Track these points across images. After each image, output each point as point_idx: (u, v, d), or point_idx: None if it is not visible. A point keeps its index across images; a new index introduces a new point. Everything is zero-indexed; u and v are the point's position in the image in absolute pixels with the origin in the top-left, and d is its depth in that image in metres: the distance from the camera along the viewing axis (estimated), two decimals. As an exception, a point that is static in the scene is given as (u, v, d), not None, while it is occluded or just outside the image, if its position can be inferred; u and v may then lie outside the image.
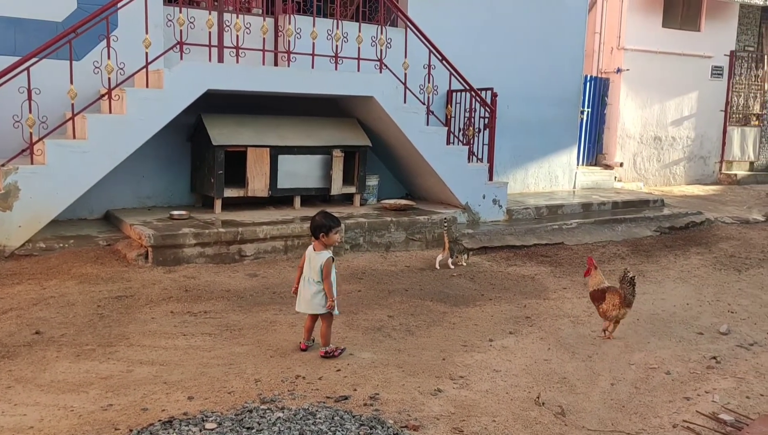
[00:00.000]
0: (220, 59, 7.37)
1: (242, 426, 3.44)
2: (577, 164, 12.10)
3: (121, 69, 7.13)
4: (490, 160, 9.26)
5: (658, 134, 13.78)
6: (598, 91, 13.09)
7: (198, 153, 8.11)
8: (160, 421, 3.53)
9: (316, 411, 3.69)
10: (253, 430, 3.40)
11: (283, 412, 3.65)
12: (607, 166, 13.09)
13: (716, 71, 14.38)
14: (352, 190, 8.69)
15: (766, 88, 15.47)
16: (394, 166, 9.49)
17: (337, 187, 8.50)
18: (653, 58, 13.35)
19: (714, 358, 5.00)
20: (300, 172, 8.26)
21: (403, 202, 8.70)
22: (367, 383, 4.22)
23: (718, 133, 14.67)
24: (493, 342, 5.15)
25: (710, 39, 14.18)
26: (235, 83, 7.35)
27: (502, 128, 9.90)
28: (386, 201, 8.72)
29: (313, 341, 4.80)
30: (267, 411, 3.66)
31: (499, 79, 9.83)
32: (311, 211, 8.04)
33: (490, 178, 9.24)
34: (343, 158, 8.47)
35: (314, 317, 4.74)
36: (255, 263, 7.03)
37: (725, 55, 14.47)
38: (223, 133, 7.75)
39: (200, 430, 3.39)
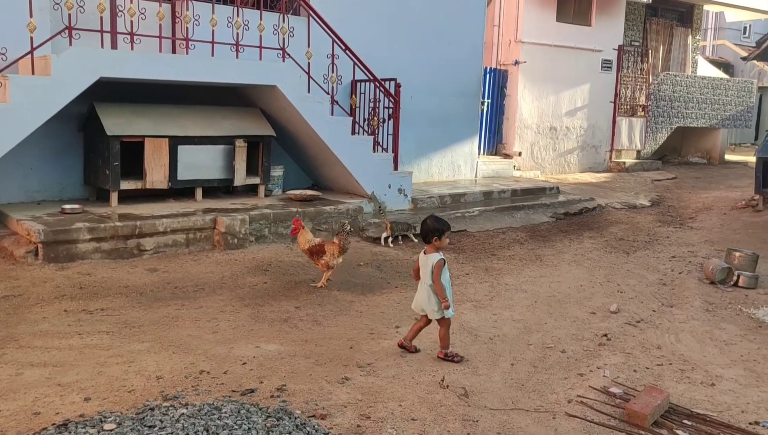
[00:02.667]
0: (114, 45, 7.04)
1: (144, 425, 3.34)
2: (479, 154, 12.44)
3: (3, 54, 6.67)
4: (395, 150, 9.37)
5: (554, 124, 14.38)
6: (498, 83, 13.49)
7: (91, 144, 7.73)
8: (54, 425, 3.36)
9: (222, 405, 3.63)
10: (156, 428, 3.30)
11: (186, 409, 3.56)
12: (507, 156, 13.54)
13: (606, 64, 15.15)
14: (256, 180, 8.56)
15: (650, 80, 16.45)
16: (300, 156, 9.42)
17: (240, 178, 8.34)
18: (548, 51, 13.89)
19: (605, 335, 5.30)
20: (201, 162, 8.04)
21: (309, 192, 8.66)
22: (273, 375, 4.19)
23: (608, 123, 15.48)
24: (400, 329, 5.24)
25: (600, 34, 14.91)
26: (130, 71, 7.04)
27: (406, 119, 10.03)
28: (292, 192, 8.65)
29: (416, 349, 4.73)
30: (170, 408, 3.57)
31: (402, 70, 9.94)
32: (214, 203, 7.89)
33: (395, 168, 9.35)
34: (247, 148, 8.32)
35: (427, 320, 4.69)
36: (155, 258, 6.80)
37: (614, 49, 15.26)
38: (118, 123, 7.42)
39: (98, 432, 3.26)
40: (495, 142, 13.72)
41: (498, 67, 13.69)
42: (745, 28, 29.78)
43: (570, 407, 3.99)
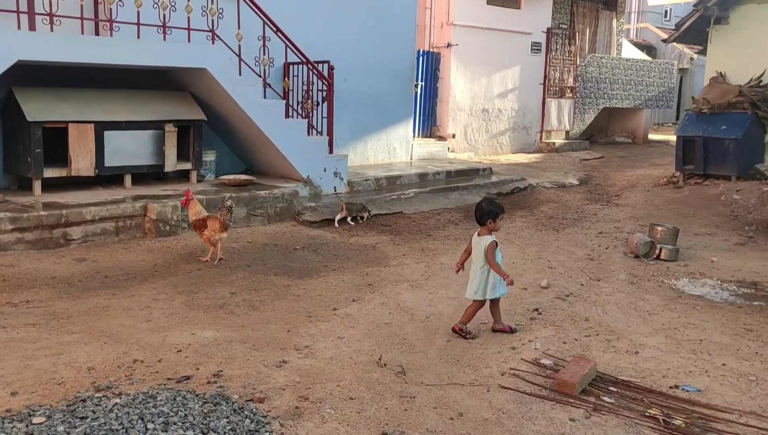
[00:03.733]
0: (32, 27, 6.73)
1: (75, 416, 3.26)
2: (413, 136, 12.53)
3: None
4: (330, 133, 9.34)
5: (486, 106, 14.61)
6: (431, 65, 13.59)
7: (11, 130, 7.39)
8: (-22, 421, 3.24)
9: (157, 393, 3.58)
10: (88, 419, 3.23)
11: (120, 398, 3.50)
12: (441, 138, 13.69)
13: (535, 47, 15.48)
14: (188, 166, 8.38)
15: (578, 62, 16.91)
16: (233, 140, 9.27)
17: (171, 164, 8.15)
18: (479, 34, 14.07)
19: (536, 310, 5.48)
20: (130, 148, 7.81)
21: (243, 177, 8.55)
22: (210, 361, 4.15)
23: (538, 104, 15.85)
24: (337, 310, 5.27)
25: (529, 16, 15.20)
26: (51, 54, 6.75)
27: (340, 101, 10.00)
28: (225, 177, 8.52)
29: (511, 329, 4.91)
30: (103, 398, 3.49)
31: (336, 52, 9.89)
32: (144, 190, 7.69)
33: (331, 151, 9.33)
34: (177, 133, 8.13)
35: (491, 302, 4.86)
36: (83, 247, 6.59)
37: (543, 32, 15.60)
38: (39, 109, 7.12)
39: (27, 426, 3.16)
40: (429, 125, 13.85)
41: (431, 50, 13.78)
42: (666, 11, 30.93)
43: (503, 380, 4.12)
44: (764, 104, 10.85)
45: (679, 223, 8.77)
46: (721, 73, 11.54)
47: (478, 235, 4.87)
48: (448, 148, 13.42)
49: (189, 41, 7.77)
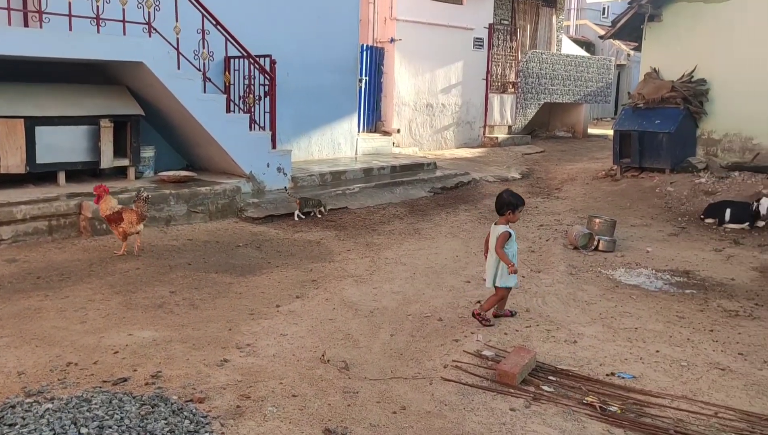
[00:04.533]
0: (-46, 17, 6.42)
1: (3, 424, 3.13)
2: (358, 131, 12.52)
3: None
4: (273, 128, 9.23)
5: (430, 101, 14.71)
6: (375, 60, 13.58)
7: (-67, 126, 7.03)
8: None
9: (92, 397, 3.47)
10: (17, 426, 3.11)
11: (52, 403, 3.38)
12: (386, 133, 13.72)
13: (477, 42, 15.66)
14: (125, 162, 8.14)
15: (519, 58, 17.19)
16: (172, 136, 9.05)
17: (107, 160, 7.91)
18: (422, 29, 14.14)
19: (479, 302, 5.52)
20: (63, 144, 7.54)
21: (183, 173, 8.36)
22: (148, 362, 4.05)
23: (481, 99, 16.05)
24: (281, 307, 5.22)
25: (471, 12, 15.36)
26: (-24, 45, 6.45)
27: (283, 96, 9.90)
28: (164, 173, 8.32)
29: (512, 313, 5.14)
30: (33, 404, 3.36)
31: (278, 46, 9.78)
32: (79, 187, 7.44)
33: (274, 147, 9.22)
34: (114, 129, 7.89)
35: (504, 289, 4.97)
36: (14, 247, 6.34)
37: (484, 27, 15.79)
38: (-36, 103, 6.80)
39: (-50, 436, 3.02)
40: (374, 120, 13.85)
41: (375, 45, 13.78)
42: (604, 8, 31.74)
43: (446, 372, 4.15)
44: (695, 99, 11.26)
45: (617, 214, 9.02)
46: (655, 69, 11.91)
47: (495, 224, 5.02)
48: (393, 143, 13.46)
49: (124, 34, 7.54)
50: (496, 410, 3.69)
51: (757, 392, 4.00)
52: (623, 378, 4.15)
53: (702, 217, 8.99)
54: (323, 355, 4.27)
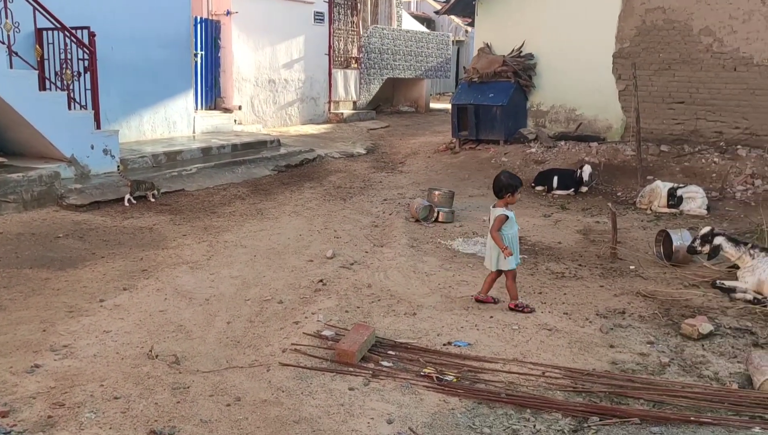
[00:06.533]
0: None
1: None
2: (196, 108, 11.90)
3: None
4: (96, 106, 8.48)
5: (272, 77, 14.32)
6: (211, 34, 12.94)
7: None
8: None
9: None
10: None
11: None
12: (227, 110, 13.17)
13: (318, 17, 15.43)
14: None
15: (361, 33, 17.20)
16: (-23, 117, 8.05)
17: None
18: (261, 2, 13.67)
19: (321, 281, 5.44)
20: None
21: (-9, 159, 7.48)
22: (-61, 377, 3.54)
23: (325, 75, 15.89)
24: (105, 302, 4.80)
25: (311, -14, 15.11)
26: None
27: (108, 72, 9.14)
28: (-32, 159, 7.39)
29: (495, 300, 4.99)
30: None
31: (100, 18, 8.97)
32: None
33: (98, 127, 8.49)
34: None
35: (497, 273, 4.88)
36: None
37: (325, 1, 15.59)
38: None
39: None
40: (213, 96, 13.24)
41: (210, 18, 13.12)
42: (442, -14, 32.64)
43: (284, 357, 4.02)
44: (524, 73, 11.85)
45: (456, 186, 9.30)
46: (487, 44, 12.38)
47: (494, 206, 4.88)
48: (235, 121, 12.96)
49: None
50: (334, 391, 3.61)
51: (580, 349, 4.24)
52: (459, 346, 4.24)
53: (532, 185, 9.50)
54: (151, 351, 3.97)
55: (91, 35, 8.34)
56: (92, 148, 8.24)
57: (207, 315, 4.65)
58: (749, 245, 5.51)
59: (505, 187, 4.85)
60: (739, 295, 5.19)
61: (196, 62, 12.01)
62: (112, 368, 3.77)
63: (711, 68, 10.16)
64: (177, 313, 4.64)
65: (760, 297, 5.08)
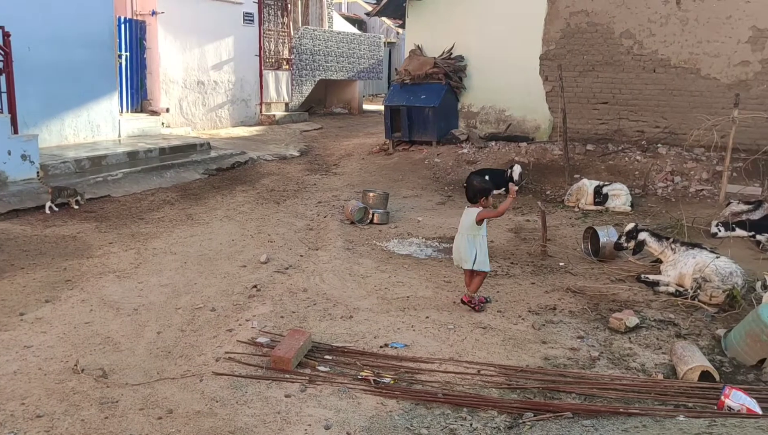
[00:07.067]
0: None
1: None
2: (121, 111, 11.53)
3: None
4: (12, 110, 8.08)
5: (201, 78, 14.01)
6: (136, 34, 12.53)
7: None
8: None
9: None
10: None
11: None
12: (154, 112, 12.79)
13: (248, 17, 15.19)
14: None
15: (292, 34, 17.04)
16: None
17: None
18: (188, 2, 13.34)
19: (255, 286, 5.35)
20: None
21: None
22: None
23: (256, 76, 15.66)
24: (25, 315, 4.57)
25: (240, -14, 14.85)
26: None
27: (25, 73, 8.74)
28: None
29: (487, 299, 5.01)
30: None
31: (15, 17, 8.56)
32: None
33: (16, 131, 8.10)
34: None
35: (470, 272, 4.85)
36: None
37: (254, 2, 15.36)
38: None
39: None
40: (139, 99, 12.83)
41: (134, 18, 12.71)
42: (372, -12, 32.74)
43: (218, 366, 3.92)
44: (455, 75, 12.00)
45: (390, 187, 9.34)
46: (418, 46, 12.47)
47: (468, 207, 4.90)
48: (163, 124, 12.61)
49: None
50: (270, 399, 3.55)
51: (513, 346, 4.32)
52: (396, 348, 4.24)
53: (465, 185, 9.61)
54: (76, 365, 3.81)
55: (6, 35, 7.97)
56: (9, 154, 7.85)
57: (136, 325, 4.50)
58: (671, 240, 5.75)
59: (480, 192, 4.93)
60: (662, 289, 5.40)
61: (120, 63, 11.65)
62: (34, 385, 3.59)
63: (632, 70, 10.56)
64: (104, 325, 4.47)
65: (681, 289, 5.29)
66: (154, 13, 12.66)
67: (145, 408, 3.42)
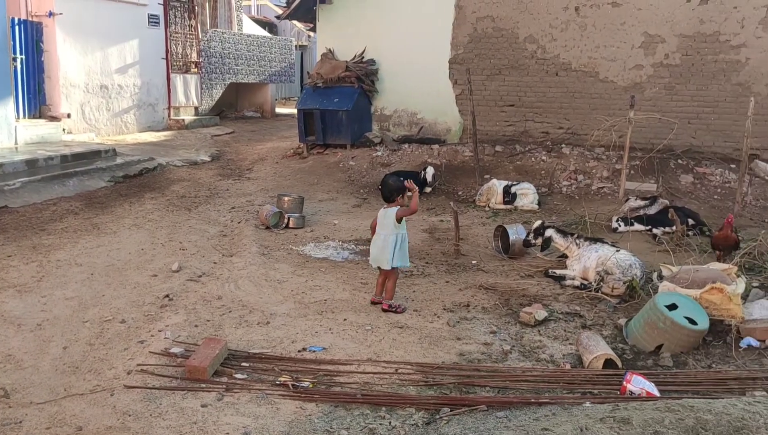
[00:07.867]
0: None
1: None
2: (17, 117, 10.92)
3: None
4: None
5: (105, 82, 13.46)
6: (32, 36, 11.88)
7: None
8: None
9: None
10: None
11: None
12: (54, 118, 12.17)
13: (153, 19, 14.72)
14: None
15: (200, 36, 16.65)
16: None
17: None
18: (87, 3, 12.78)
19: (167, 296, 5.21)
20: None
21: None
22: None
23: (163, 80, 15.19)
24: None
25: (143, -13, 14.38)
26: None
27: None
28: None
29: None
30: None
31: None
32: None
33: None
34: None
35: (385, 274, 4.92)
36: None
37: (159, 3, 14.91)
38: None
39: None
40: (38, 104, 12.18)
41: (30, 19, 12.07)
42: (282, -10, 32.48)
43: (130, 379, 3.80)
44: (368, 78, 12.10)
45: (306, 191, 9.31)
46: (330, 49, 12.49)
47: (385, 208, 4.91)
48: (64, 130, 12.03)
49: None
50: (186, 410, 3.48)
51: (430, 344, 4.41)
52: (314, 351, 4.24)
53: (379, 187, 9.70)
54: (-26, 387, 3.59)
55: None
56: None
57: (40, 341, 4.29)
58: (575, 236, 6.04)
59: (396, 190, 5.02)
60: (568, 282, 5.66)
61: (15, 67, 11.03)
62: (-74, 411, 3.37)
63: (536, 73, 10.98)
64: (4, 342, 4.24)
65: (586, 282, 5.56)
66: (51, 14, 12.06)
67: (52, 427, 3.27)
